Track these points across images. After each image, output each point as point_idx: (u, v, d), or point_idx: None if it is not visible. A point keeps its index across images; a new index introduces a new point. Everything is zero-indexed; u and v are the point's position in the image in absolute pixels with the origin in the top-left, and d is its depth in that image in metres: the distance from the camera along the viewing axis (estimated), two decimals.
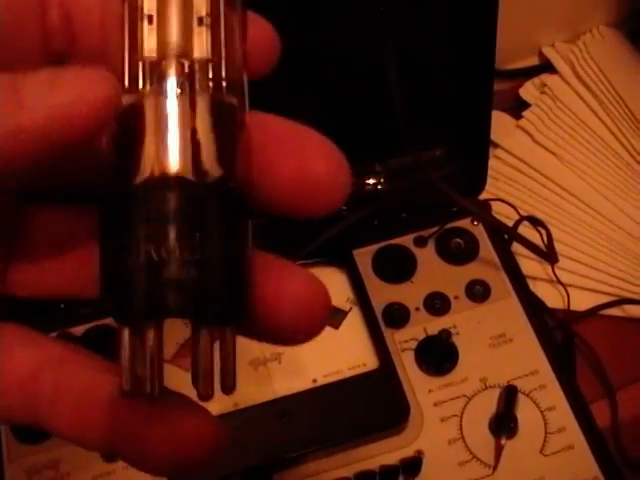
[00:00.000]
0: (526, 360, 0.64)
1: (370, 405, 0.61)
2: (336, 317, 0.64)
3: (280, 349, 0.63)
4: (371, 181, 0.69)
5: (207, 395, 0.24)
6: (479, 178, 0.71)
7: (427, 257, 0.68)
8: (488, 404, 0.62)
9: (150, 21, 0.23)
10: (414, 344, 0.64)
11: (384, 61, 0.61)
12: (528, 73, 0.89)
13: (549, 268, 0.73)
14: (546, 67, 0.89)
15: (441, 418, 0.61)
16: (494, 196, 0.75)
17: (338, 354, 0.63)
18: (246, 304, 0.24)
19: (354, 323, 0.65)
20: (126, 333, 0.23)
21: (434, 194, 0.67)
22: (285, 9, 0.57)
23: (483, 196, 0.73)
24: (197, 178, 0.23)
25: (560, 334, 0.70)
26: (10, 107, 0.21)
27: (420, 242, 0.69)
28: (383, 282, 0.67)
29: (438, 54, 0.65)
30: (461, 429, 0.61)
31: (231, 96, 0.24)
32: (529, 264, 0.73)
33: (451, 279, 0.67)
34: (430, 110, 0.67)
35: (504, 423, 0.60)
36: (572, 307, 0.73)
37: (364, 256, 0.68)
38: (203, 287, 0.23)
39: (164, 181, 0.23)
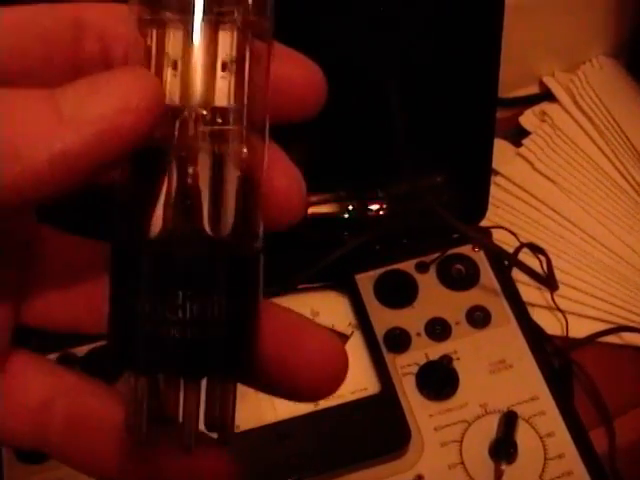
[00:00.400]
0: (526, 386, 0.64)
1: (371, 429, 0.61)
2: None
3: None
4: (373, 207, 0.70)
5: (188, 447, 0.24)
6: (480, 205, 0.72)
7: (428, 283, 0.69)
8: (488, 429, 0.62)
9: (175, 67, 0.23)
10: (415, 369, 0.64)
11: (386, 89, 0.62)
12: (528, 102, 0.90)
13: (548, 295, 0.73)
14: (546, 96, 0.90)
15: (441, 443, 0.61)
16: (494, 223, 0.76)
17: None
18: (249, 363, 0.24)
19: (356, 347, 0.65)
20: (132, 378, 0.24)
21: (436, 220, 0.67)
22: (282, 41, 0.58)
23: (483, 223, 0.74)
24: (212, 234, 0.23)
25: (558, 361, 0.71)
26: (49, 124, 0.21)
27: (422, 268, 0.69)
28: (385, 307, 0.67)
29: (441, 82, 0.65)
30: (461, 454, 0.61)
31: (251, 145, 0.24)
32: (528, 291, 0.74)
33: (452, 305, 0.68)
34: (432, 138, 0.68)
35: (504, 448, 0.61)
36: (570, 334, 0.73)
37: (366, 281, 0.68)
38: (201, 348, 0.23)
39: (175, 238, 0.23)
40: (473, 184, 0.71)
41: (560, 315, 0.73)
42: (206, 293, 0.23)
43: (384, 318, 0.66)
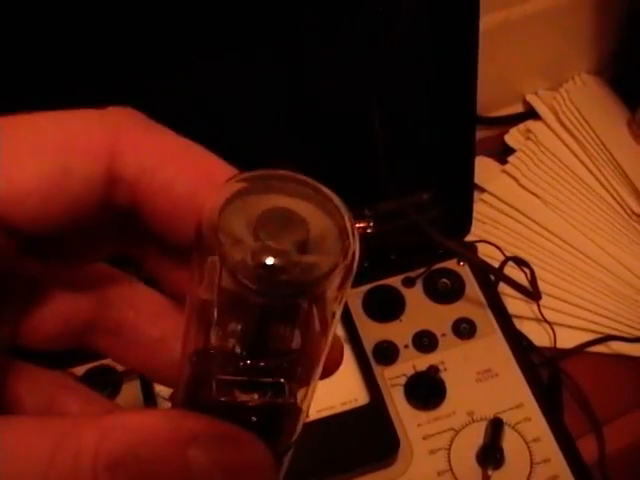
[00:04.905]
0: (511, 394, 0.66)
1: (361, 439, 0.62)
2: None
3: None
4: (360, 225, 0.72)
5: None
6: (464, 221, 0.74)
7: (415, 297, 0.71)
8: (475, 436, 0.64)
9: None
10: (403, 380, 0.66)
11: (369, 109, 0.64)
12: (513, 120, 0.92)
13: (536, 307, 0.75)
14: (530, 114, 0.92)
15: (430, 451, 0.63)
16: (481, 238, 0.78)
17: (330, 390, 0.65)
18: None
19: (346, 360, 0.65)
20: None
21: (421, 237, 0.69)
22: (275, 61, 0.59)
23: (470, 238, 0.76)
24: None
25: (547, 371, 0.72)
26: None
27: (408, 282, 0.71)
28: (373, 321, 0.69)
29: (421, 103, 0.67)
30: (449, 461, 0.63)
31: None
32: (516, 304, 0.76)
33: (438, 317, 0.70)
34: (416, 157, 0.70)
35: (491, 454, 0.62)
36: (559, 345, 0.74)
37: (355, 296, 0.70)
38: None
39: None
40: (457, 200, 0.73)
41: (548, 326, 0.75)
42: None
43: (373, 332, 0.68)
